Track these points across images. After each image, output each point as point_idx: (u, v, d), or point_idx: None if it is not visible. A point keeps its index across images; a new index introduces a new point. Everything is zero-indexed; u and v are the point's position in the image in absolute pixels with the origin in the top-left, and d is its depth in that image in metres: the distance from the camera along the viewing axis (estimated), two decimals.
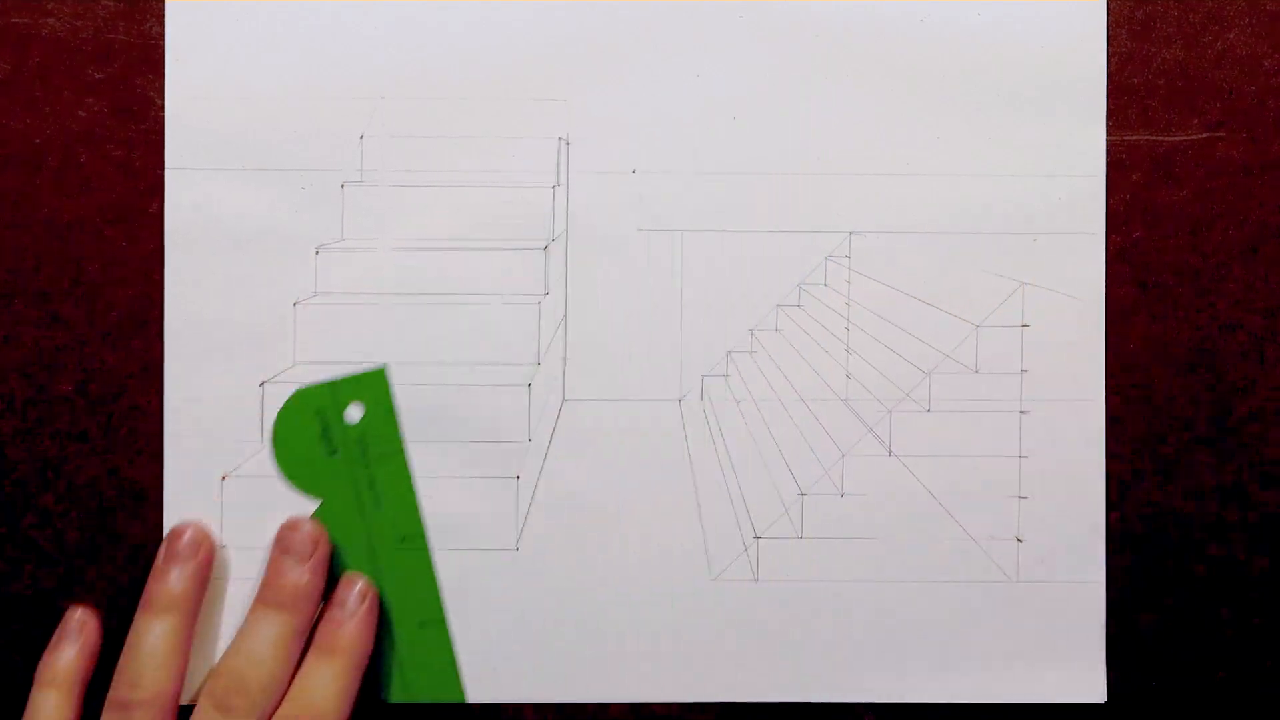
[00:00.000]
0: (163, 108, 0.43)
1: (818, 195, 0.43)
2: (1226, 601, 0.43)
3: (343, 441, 0.42)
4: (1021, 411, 0.43)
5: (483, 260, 0.43)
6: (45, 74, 0.43)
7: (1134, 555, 0.43)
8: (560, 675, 0.43)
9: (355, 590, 0.41)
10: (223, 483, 0.43)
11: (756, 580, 0.43)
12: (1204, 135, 0.43)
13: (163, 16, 0.43)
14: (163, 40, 0.43)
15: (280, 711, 0.40)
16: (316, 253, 0.43)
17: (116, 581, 0.43)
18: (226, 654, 0.40)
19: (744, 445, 0.43)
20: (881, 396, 0.43)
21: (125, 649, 0.40)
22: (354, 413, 0.42)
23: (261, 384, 0.43)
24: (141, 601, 0.41)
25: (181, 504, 0.42)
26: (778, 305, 0.43)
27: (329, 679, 0.40)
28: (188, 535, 0.41)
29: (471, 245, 0.43)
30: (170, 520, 0.42)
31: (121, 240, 0.43)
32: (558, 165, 0.43)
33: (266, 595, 0.41)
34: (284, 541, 0.41)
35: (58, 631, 0.42)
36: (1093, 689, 0.43)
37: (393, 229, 0.43)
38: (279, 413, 0.42)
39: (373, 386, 0.42)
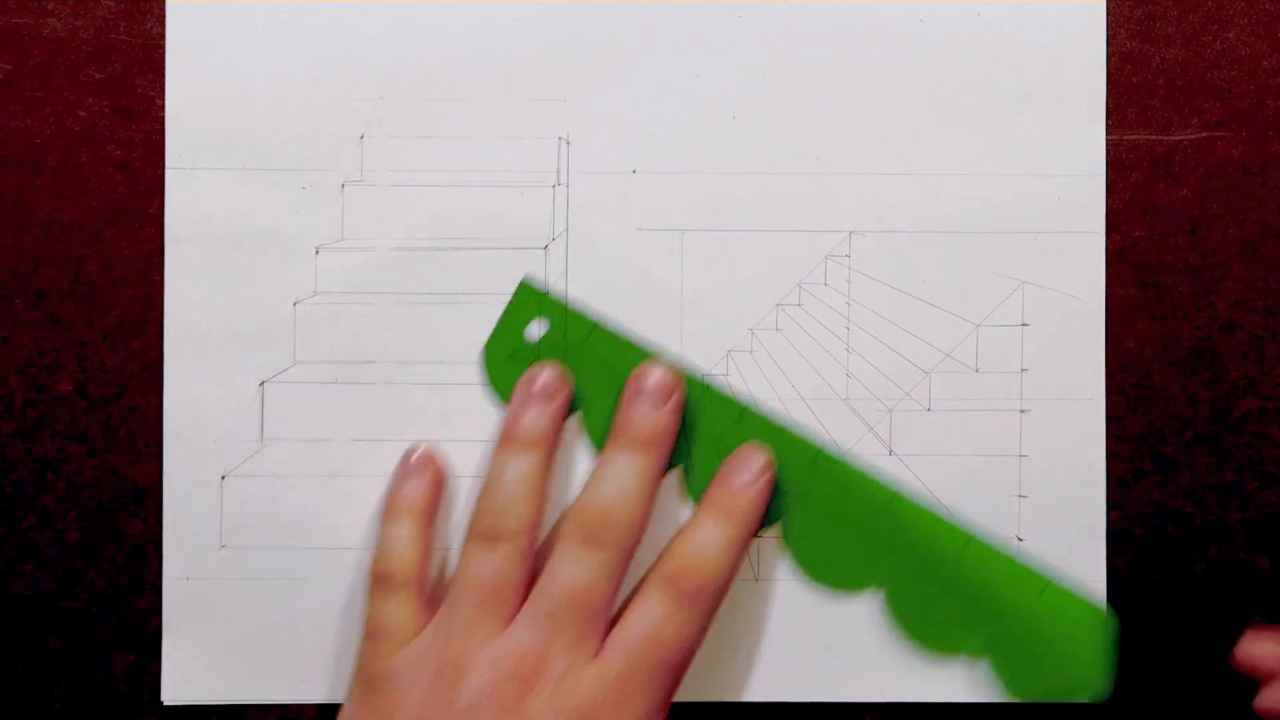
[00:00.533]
0: (163, 108, 0.43)
1: (818, 195, 0.43)
2: (1226, 601, 0.43)
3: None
4: (1021, 411, 0.43)
5: (483, 260, 0.43)
6: (45, 74, 0.43)
7: (1134, 555, 0.43)
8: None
9: (759, 460, 0.41)
10: (223, 482, 0.43)
11: (757, 580, 0.43)
12: (1204, 135, 0.43)
13: (163, 16, 0.43)
14: (163, 40, 0.43)
15: (670, 554, 0.40)
16: (317, 252, 0.43)
17: (116, 581, 0.43)
18: (586, 491, 0.40)
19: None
20: (882, 396, 0.43)
21: (486, 484, 0.40)
22: (534, 330, 0.42)
23: (261, 384, 0.43)
24: (500, 439, 0.41)
25: (181, 504, 0.42)
26: (778, 305, 0.43)
27: (723, 540, 0.40)
28: (544, 375, 0.41)
29: (471, 245, 0.43)
30: (170, 520, 0.42)
31: (121, 240, 0.43)
32: (558, 165, 0.43)
33: (622, 437, 0.41)
34: (639, 385, 0.41)
35: (399, 468, 0.42)
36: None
37: (393, 229, 0.43)
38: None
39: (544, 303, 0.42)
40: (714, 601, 0.40)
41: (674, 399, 0.41)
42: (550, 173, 0.43)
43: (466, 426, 0.43)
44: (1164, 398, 0.43)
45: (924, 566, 0.42)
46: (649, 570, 0.40)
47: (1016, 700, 0.42)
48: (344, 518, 0.43)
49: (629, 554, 0.39)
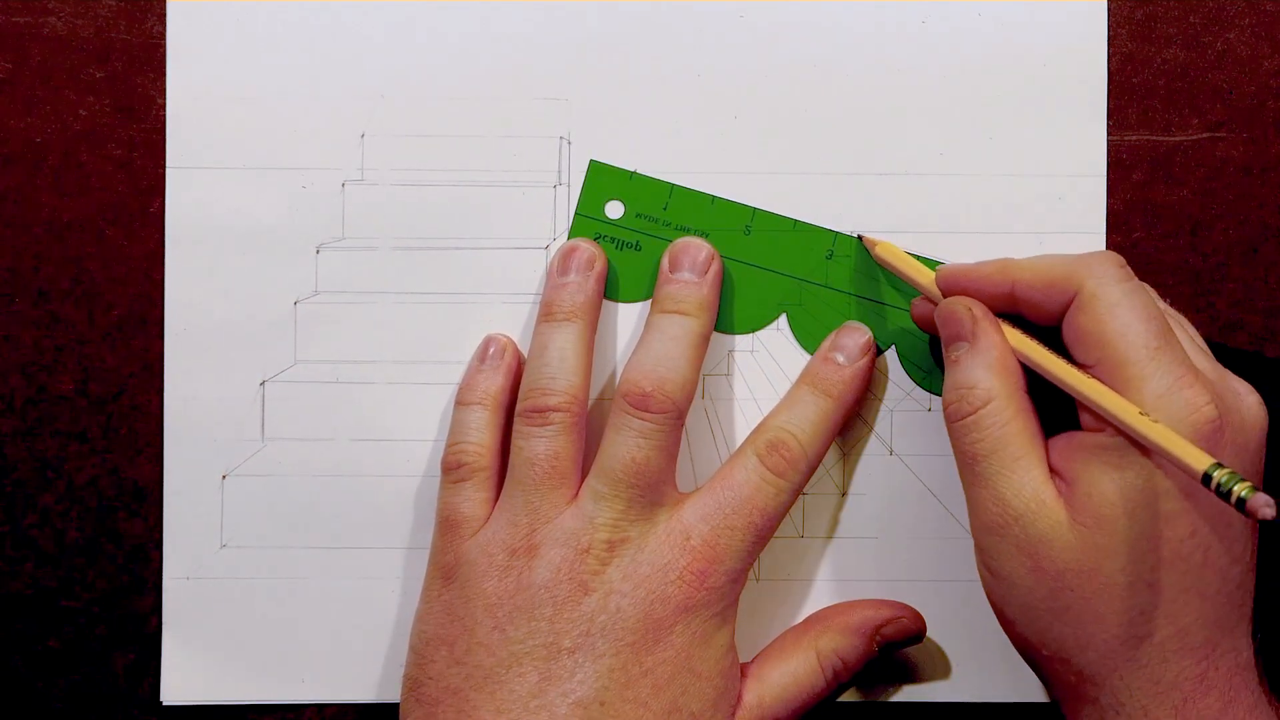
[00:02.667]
0: (163, 107, 0.43)
1: (818, 195, 0.43)
2: None
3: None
4: None
5: (484, 259, 0.43)
6: (46, 73, 0.42)
7: None
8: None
9: (861, 340, 0.41)
10: (223, 482, 0.43)
11: (758, 580, 0.43)
12: (1204, 135, 0.43)
13: (164, 16, 0.43)
14: (164, 39, 0.43)
15: (767, 424, 0.40)
16: (317, 252, 0.43)
17: (116, 581, 0.43)
18: (634, 359, 0.40)
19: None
20: (882, 396, 0.43)
21: (531, 358, 0.41)
22: (614, 210, 0.43)
23: (262, 383, 0.43)
24: (541, 313, 0.41)
25: (181, 504, 0.42)
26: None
27: (820, 415, 0.40)
28: (581, 251, 0.41)
29: (472, 244, 0.43)
30: (170, 520, 0.42)
31: (121, 240, 0.43)
32: (558, 165, 0.43)
33: (666, 304, 0.41)
34: (677, 258, 0.41)
35: (477, 355, 0.42)
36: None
37: (393, 228, 0.43)
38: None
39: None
40: (806, 474, 0.40)
41: (714, 269, 0.41)
42: (551, 173, 0.43)
43: None
44: None
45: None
46: (746, 439, 0.41)
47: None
48: (344, 517, 0.43)
49: (682, 418, 0.40)
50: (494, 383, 0.41)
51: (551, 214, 0.43)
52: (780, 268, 0.43)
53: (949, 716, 0.43)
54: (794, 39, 0.43)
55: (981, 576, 0.38)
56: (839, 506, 0.43)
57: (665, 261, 0.42)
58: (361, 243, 0.43)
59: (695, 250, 0.41)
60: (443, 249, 0.43)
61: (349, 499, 0.43)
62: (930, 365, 0.43)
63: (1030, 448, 0.36)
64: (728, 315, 0.43)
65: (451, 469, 0.40)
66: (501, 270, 0.43)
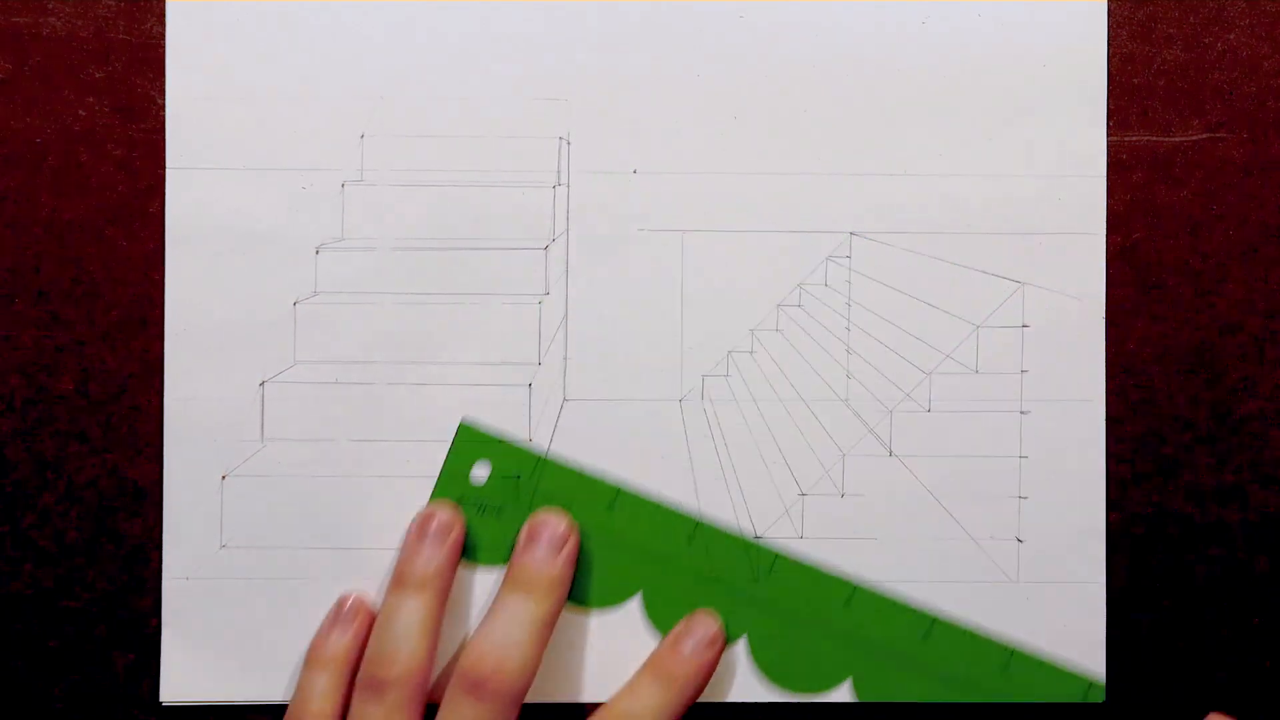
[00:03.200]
0: (163, 107, 0.43)
1: (818, 195, 0.43)
2: (1226, 601, 0.43)
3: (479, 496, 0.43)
4: (1021, 411, 0.43)
5: (483, 260, 0.43)
6: (45, 73, 0.42)
7: (1134, 555, 0.43)
8: (559, 672, 0.42)
9: (707, 630, 0.41)
10: (223, 482, 0.43)
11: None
12: (1204, 136, 0.43)
13: (163, 16, 0.43)
14: (163, 40, 0.43)
15: (608, 711, 0.40)
16: (317, 252, 0.43)
17: (117, 581, 0.43)
18: (475, 639, 0.40)
19: (744, 445, 0.43)
20: (882, 396, 0.43)
21: (377, 628, 0.40)
22: (480, 472, 0.42)
23: (262, 383, 0.43)
24: (393, 580, 0.41)
25: (181, 504, 0.42)
26: (778, 305, 0.43)
27: (660, 705, 0.40)
28: (439, 518, 0.41)
29: (472, 245, 0.43)
30: (170, 520, 0.42)
31: (121, 240, 0.43)
32: (558, 165, 0.43)
33: (517, 581, 0.40)
34: (535, 532, 0.41)
35: (331, 614, 0.42)
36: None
37: (393, 228, 0.43)
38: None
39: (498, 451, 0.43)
40: None
41: (569, 547, 0.41)
42: (550, 173, 0.43)
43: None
44: (1164, 399, 0.43)
45: (891, 655, 0.42)
46: None
47: None
48: (344, 518, 0.43)
49: (517, 703, 0.39)
50: (342, 644, 0.41)
51: (551, 214, 0.43)
52: (641, 545, 0.42)
53: (949, 716, 0.43)
54: (794, 39, 0.43)
55: None
56: (839, 507, 0.43)
57: (523, 534, 0.41)
58: (361, 243, 0.43)
59: (554, 525, 0.41)
60: (443, 249, 0.43)
61: (349, 499, 0.43)
62: (783, 659, 0.42)
63: None
64: (583, 588, 0.42)
65: None
66: (501, 270, 0.43)
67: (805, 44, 0.43)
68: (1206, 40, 0.43)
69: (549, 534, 0.41)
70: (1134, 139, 0.43)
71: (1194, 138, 0.43)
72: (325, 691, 0.40)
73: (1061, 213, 0.43)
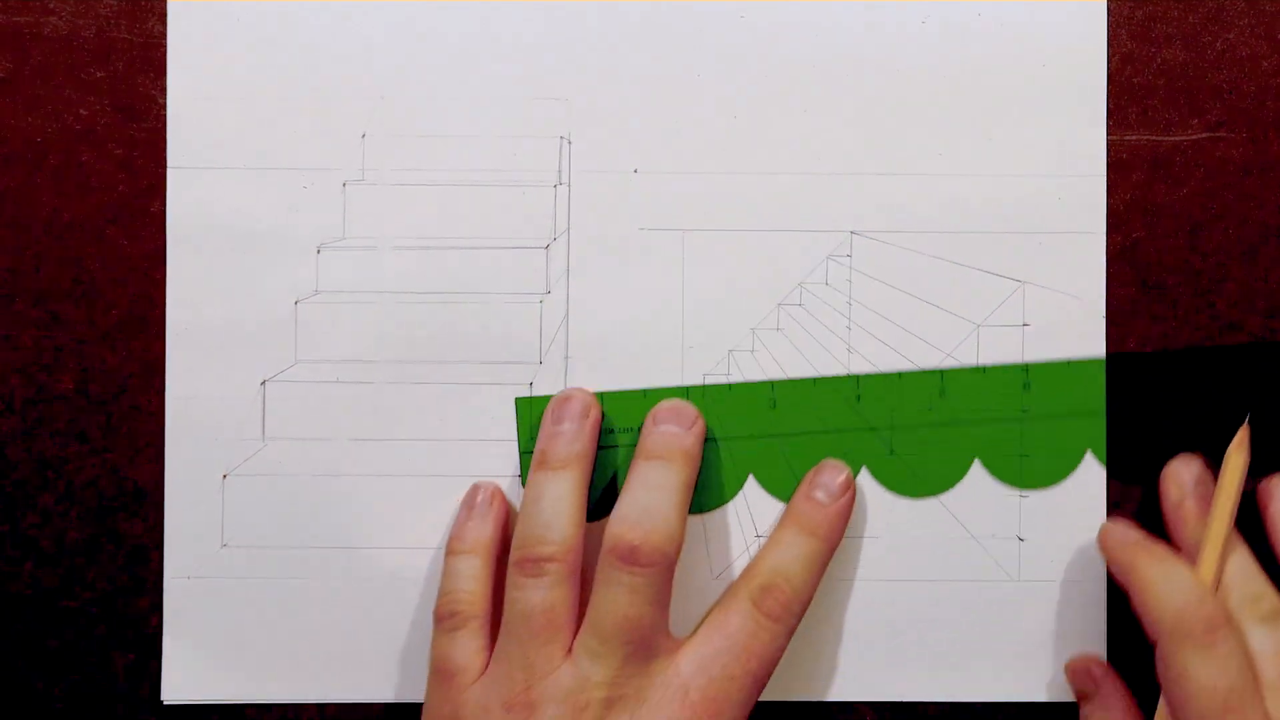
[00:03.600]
0: (164, 107, 0.42)
1: (818, 195, 0.43)
2: None
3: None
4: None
5: (484, 259, 0.43)
6: (46, 73, 0.42)
7: None
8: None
9: (840, 478, 0.41)
10: (224, 482, 0.43)
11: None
12: (1204, 135, 0.43)
13: (164, 15, 0.43)
14: (164, 39, 0.43)
15: (755, 569, 0.40)
16: (318, 251, 0.43)
17: (116, 581, 0.43)
18: (619, 509, 0.40)
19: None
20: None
21: (524, 509, 0.40)
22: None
23: (262, 383, 0.43)
24: (535, 461, 0.41)
25: (182, 504, 0.42)
26: (779, 304, 0.43)
27: (806, 556, 0.40)
28: (578, 398, 0.41)
29: (472, 244, 0.43)
30: (171, 520, 0.42)
31: (122, 240, 0.43)
32: (559, 164, 0.43)
33: (652, 452, 0.41)
34: (660, 415, 0.41)
35: (464, 507, 0.42)
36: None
37: (394, 228, 0.43)
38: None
39: None
40: (799, 616, 0.40)
41: (696, 424, 0.41)
42: (551, 172, 0.43)
43: (467, 426, 0.43)
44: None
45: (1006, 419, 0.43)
46: (735, 583, 0.41)
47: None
48: (344, 518, 0.43)
49: (671, 568, 0.39)
50: (484, 532, 0.41)
51: (551, 214, 0.43)
52: (730, 430, 0.43)
53: (949, 716, 0.43)
54: (794, 39, 0.43)
55: None
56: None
57: (647, 420, 0.42)
58: (361, 243, 0.43)
59: (680, 406, 0.41)
60: (443, 249, 0.43)
61: (349, 499, 0.43)
62: (908, 470, 0.43)
63: None
64: (700, 493, 0.43)
65: (445, 618, 0.40)
66: (501, 270, 0.43)
67: (805, 44, 0.43)
68: (1206, 40, 0.43)
69: (676, 413, 0.41)
70: (1134, 139, 0.43)
71: (1194, 138, 0.43)
72: (475, 574, 0.41)
73: (1061, 213, 0.43)
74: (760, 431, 0.43)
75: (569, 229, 0.43)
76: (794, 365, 0.43)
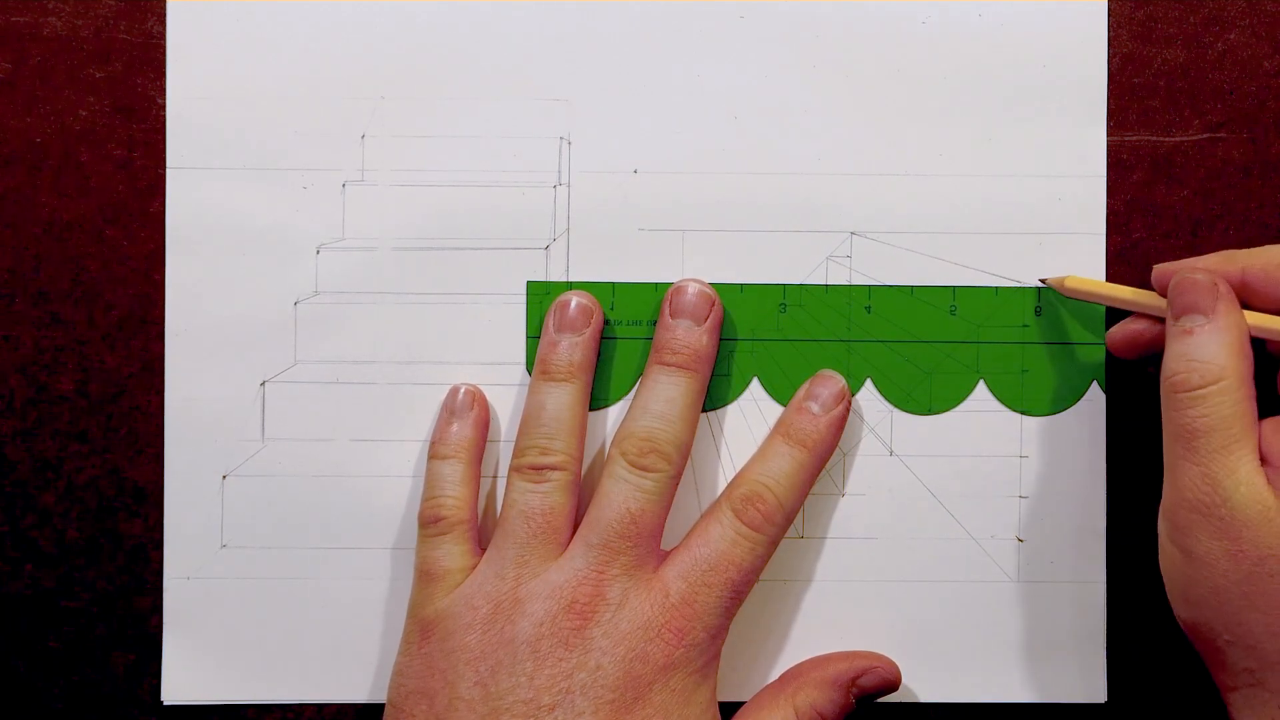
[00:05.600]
0: (164, 107, 0.42)
1: (818, 195, 0.43)
2: None
3: None
4: (1022, 412, 0.43)
5: (483, 260, 0.43)
6: (45, 73, 0.42)
7: (1134, 555, 0.43)
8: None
9: (835, 389, 0.41)
10: (223, 482, 0.43)
11: (758, 580, 0.43)
12: (1205, 136, 0.43)
13: (164, 15, 0.43)
14: (164, 39, 0.42)
15: (741, 479, 0.40)
16: (318, 252, 0.43)
17: (116, 581, 0.43)
18: (630, 414, 0.40)
19: (745, 445, 0.43)
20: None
21: (526, 416, 0.41)
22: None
23: (262, 383, 0.43)
24: (536, 371, 0.41)
25: (182, 504, 0.42)
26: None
27: (794, 467, 0.40)
28: (575, 302, 0.41)
29: (472, 245, 0.43)
30: (170, 520, 0.42)
31: (121, 240, 0.43)
32: (559, 165, 0.43)
33: (665, 357, 0.41)
34: (676, 305, 0.41)
35: (445, 409, 0.42)
36: (1093, 689, 0.43)
37: (393, 228, 0.43)
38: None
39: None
40: (782, 527, 0.40)
41: (712, 315, 0.41)
42: (551, 173, 0.43)
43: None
44: None
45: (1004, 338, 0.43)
46: (721, 494, 0.41)
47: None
48: (344, 518, 0.43)
49: (678, 476, 0.40)
50: (465, 434, 0.41)
51: (551, 214, 0.43)
52: (737, 331, 0.43)
53: (949, 716, 0.43)
54: (793, 39, 0.43)
55: (1166, 554, 0.37)
56: (839, 507, 0.43)
57: (663, 306, 0.42)
58: (361, 243, 0.43)
59: (694, 293, 0.41)
60: (443, 249, 0.43)
61: (349, 499, 0.43)
62: (910, 386, 0.42)
63: (1249, 432, 0.36)
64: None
65: (430, 522, 0.41)
66: (501, 270, 0.43)
67: (805, 44, 0.43)
68: (1206, 40, 0.43)
69: (693, 304, 0.41)
70: (1134, 139, 0.43)
71: (1194, 138, 0.43)
72: (459, 478, 0.41)
73: (1062, 213, 0.43)
74: (768, 334, 0.42)
75: (569, 229, 0.43)
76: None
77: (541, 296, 0.42)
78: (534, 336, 0.43)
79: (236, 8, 0.43)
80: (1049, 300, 0.42)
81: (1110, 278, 0.43)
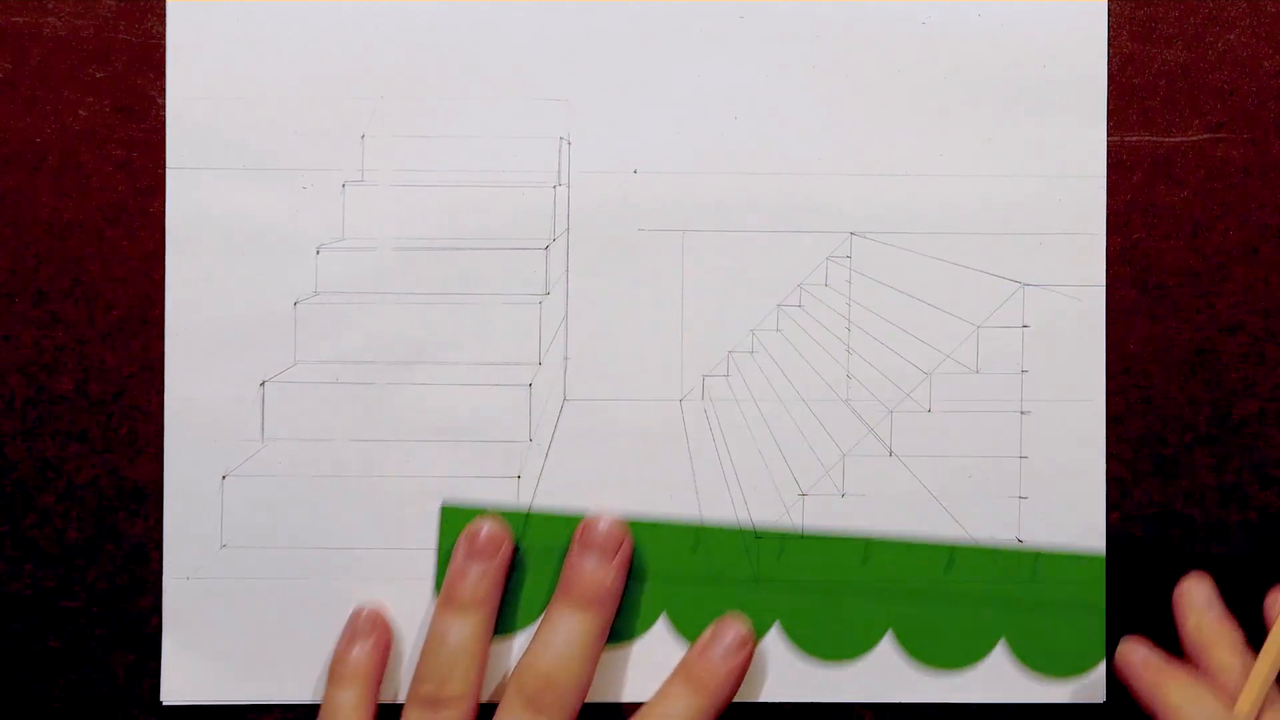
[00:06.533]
0: (163, 107, 0.42)
1: (818, 195, 0.43)
2: (1226, 602, 0.43)
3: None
4: (1022, 412, 0.43)
5: (483, 260, 0.43)
6: (45, 73, 0.42)
7: (1134, 555, 0.43)
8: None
9: (735, 634, 0.41)
10: (223, 482, 0.43)
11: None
12: (1205, 136, 0.43)
13: (163, 16, 0.43)
14: (163, 39, 0.43)
15: (642, 716, 0.40)
16: (317, 252, 0.43)
17: (116, 581, 0.43)
18: (530, 651, 0.40)
19: (745, 445, 0.43)
20: (882, 397, 0.43)
21: (427, 647, 0.40)
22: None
23: (262, 384, 0.43)
24: (441, 599, 0.41)
25: (181, 504, 0.42)
26: (779, 305, 0.43)
27: (693, 711, 0.40)
28: (485, 531, 0.41)
29: (472, 245, 0.43)
30: (170, 520, 0.42)
31: (122, 240, 0.43)
32: (558, 165, 0.43)
33: (570, 593, 0.40)
34: (586, 539, 0.41)
35: (347, 629, 0.42)
36: (1093, 689, 0.43)
37: (393, 229, 0.43)
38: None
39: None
40: None
41: (621, 552, 0.41)
42: (551, 173, 0.43)
43: (467, 427, 0.43)
44: (1164, 399, 0.43)
45: (921, 596, 0.42)
46: None
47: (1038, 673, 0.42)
48: (344, 518, 0.43)
49: (573, 717, 0.39)
50: (364, 657, 0.41)
51: (551, 214, 0.43)
52: (650, 568, 0.42)
53: (949, 716, 0.43)
54: (793, 39, 0.43)
55: None
56: (839, 506, 0.43)
57: (573, 540, 0.41)
58: (361, 243, 0.43)
59: (604, 528, 0.41)
60: (442, 250, 0.43)
61: (349, 499, 0.43)
62: (819, 633, 0.42)
63: None
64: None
65: None
66: (501, 270, 0.43)
67: (805, 44, 0.43)
68: (1206, 40, 0.43)
69: (601, 543, 0.41)
70: (1134, 139, 0.43)
71: (1194, 138, 0.43)
72: (355, 705, 0.40)
73: (1061, 213, 0.43)
74: (679, 574, 0.42)
75: (569, 229, 0.43)
76: (793, 366, 0.43)
77: (458, 523, 0.42)
78: (446, 555, 0.42)
79: (236, 8, 0.43)
80: (962, 555, 0.42)
81: (1110, 278, 0.43)
